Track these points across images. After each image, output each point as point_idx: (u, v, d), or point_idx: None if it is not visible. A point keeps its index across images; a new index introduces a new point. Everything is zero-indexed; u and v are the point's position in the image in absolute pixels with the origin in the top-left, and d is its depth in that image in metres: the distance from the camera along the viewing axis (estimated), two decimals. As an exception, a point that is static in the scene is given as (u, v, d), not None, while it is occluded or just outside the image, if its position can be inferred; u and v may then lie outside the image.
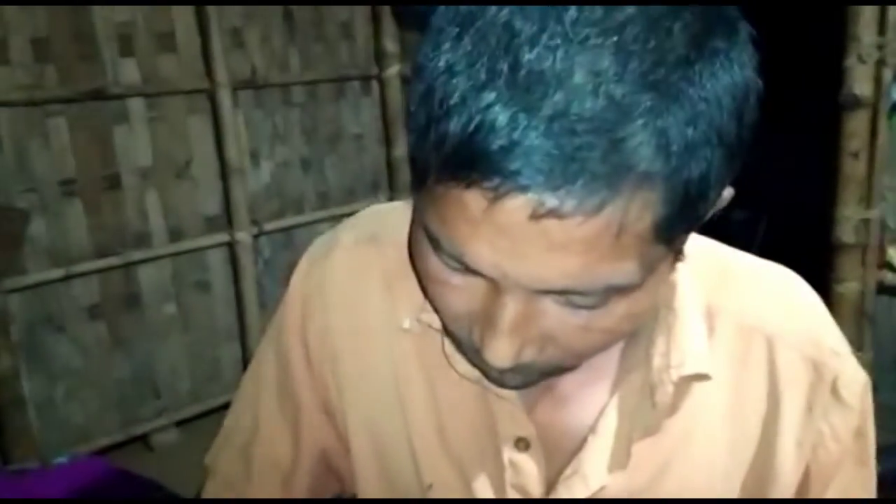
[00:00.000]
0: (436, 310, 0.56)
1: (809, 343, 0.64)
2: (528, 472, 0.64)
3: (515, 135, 0.40)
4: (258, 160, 2.94)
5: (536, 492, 0.64)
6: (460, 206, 0.43)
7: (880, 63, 1.87)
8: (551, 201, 0.40)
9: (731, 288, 0.65)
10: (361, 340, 0.69)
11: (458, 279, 0.49)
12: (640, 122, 0.40)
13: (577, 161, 0.39)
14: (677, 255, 0.51)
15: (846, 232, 1.99)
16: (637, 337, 0.64)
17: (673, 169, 0.41)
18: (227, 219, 2.83)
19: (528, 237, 0.42)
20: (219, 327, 2.88)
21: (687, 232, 0.49)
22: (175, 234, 2.74)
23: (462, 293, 0.50)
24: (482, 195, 0.42)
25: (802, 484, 0.66)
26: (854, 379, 0.65)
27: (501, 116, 0.40)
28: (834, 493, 0.67)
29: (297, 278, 0.72)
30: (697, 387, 0.62)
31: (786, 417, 0.64)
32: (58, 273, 2.44)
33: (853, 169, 1.94)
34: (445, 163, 0.42)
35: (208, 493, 0.78)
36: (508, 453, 0.64)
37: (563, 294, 0.46)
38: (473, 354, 0.53)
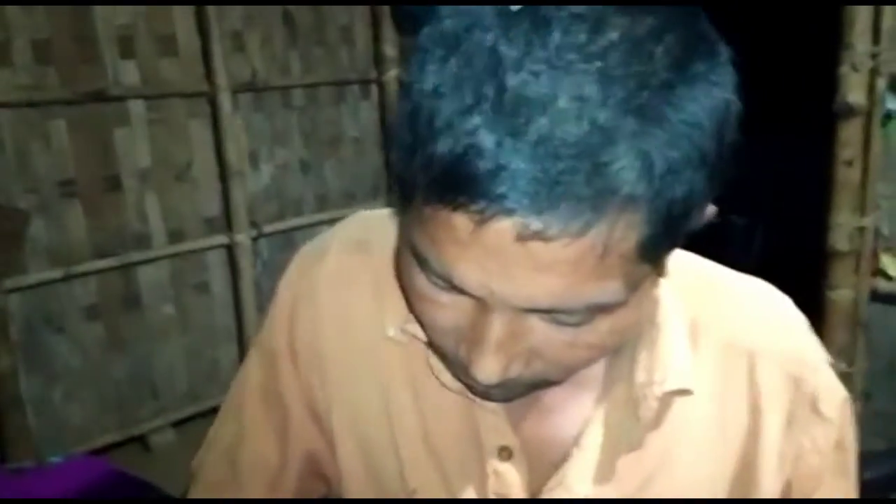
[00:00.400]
0: (422, 325, 0.56)
1: (790, 359, 0.65)
2: (510, 482, 0.65)
3: (501, 159, 0.40)
4: (258, 163, 2.95)
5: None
6: (448, 227, 0.44)
7: (874, 72, 1.88)
8: (536, 224, 0.41)
9: (715, 305, 0.66)
10: (349, 346, 0.70)
11: (444, 297, 0.50)
12: (623, 146, 0.41)
13: (562, 185, 0.40)
14: (660, 271, 0.52)
15: (840, 239, 2.00)
16: (621, 351, 0.65)
17: (656, 191, 0.42)
18: (226, 221, 2.84)
19: (515, 258, 0.43)
20: (217, 328, 2.89)
21: (670, 250, 0.50)
22: (174, 236, 2.75)
23: (449, 310, 0.51)
24: (469, 217, 0.43)
25: (784, 494, 0.67)
26: (833, 393, 0.66)
27: (488, 140, 0.41)
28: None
29: (285, 283, 0.73)
30: (681, 401, 0.63)
31: (767, 432, 0.65)
32: (57, 273, 2.45)
33: (847, 177, 1.95)
34: (432, 185, 0.43)
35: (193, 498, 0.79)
36: (492, 462, 0.65)
37: (549, 313, 0.47)
38: (460, 369, 0.54)
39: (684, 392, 0.62)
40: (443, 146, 0.42)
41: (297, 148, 3.06)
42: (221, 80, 2.70)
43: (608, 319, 0.49)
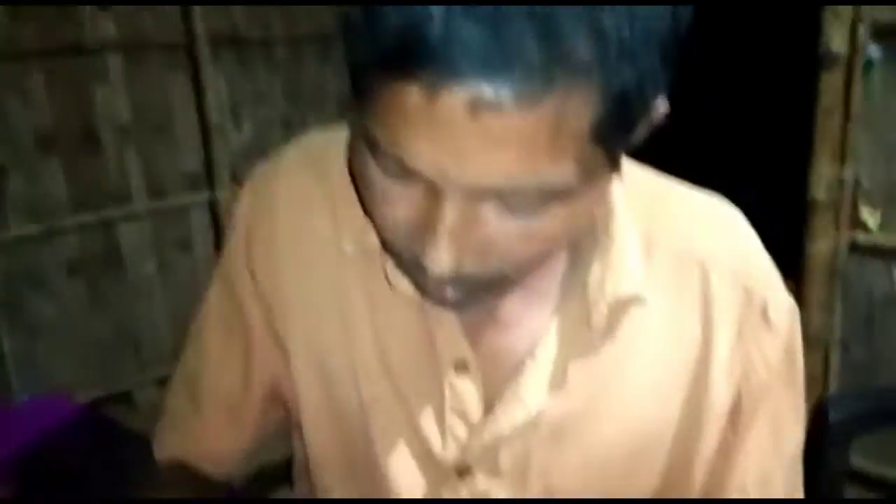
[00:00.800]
0: (376, 225, 0.56)
1: (741, 270, 0.66)
2: (466, 395, 0.66)
3: (452, 25, 0.40)
4: (240, 119, 2.92)
5: (475, 414, 0.66)
6: (399, 102, 0.43)
7: (856, 20, 1.87)
8: (488, 92, 0.41)
9: (669, 216, 0.66)
10: (306, 265, 0.70)
11: (398, 188, 0.49)
12: (576, 16, 0.40)
13: (513, 51, 0.40)
14: (614, 166, 0.51)
15: (819, 191, 2.01)
16: (576, 263, 0.65)
17: (609, 66, 0.42)
18: (208, 178, 2.82)
19: (467, 132, 0.42)
20: (200, 287, 2.84)
21: (624, 137, 0.49)
22: (155, 192, 2.73)
23: (402, 202, 0.50)
24: (420, 89, 0.42)
25: (734, 406, 0.68)
26: (782, 305, 0.67)
27: (437, 8, 0.40)
28: (764, 415, 0.69)
29: (241, 206, 0.73)
30: (635, 312, 0.63)
31: (718, 342, 0.65)
32: (36, 229, 2.43)
33: (827, 126, 1.94)
34: (383, 59, 0.43)
35: (159, 432, 0.80)
36: (448, 376, 0.65)
37: (501, 196, 0.47)
38: (413, 268, 0.53)
39: (636, 299, 0.62)
40: (393, 17, 0.41)
41: (280, 105, 3.03)
42: (201, 32, 2.66)
43: (561, 209, 0.48)
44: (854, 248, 2.07)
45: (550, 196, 0.47)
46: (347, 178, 0.63)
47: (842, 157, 1.97)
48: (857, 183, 2.02)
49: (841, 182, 1.99)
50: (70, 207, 2.52)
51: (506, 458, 0.66)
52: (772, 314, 0.65)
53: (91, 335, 2.64)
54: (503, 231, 0.49)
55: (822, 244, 2.05)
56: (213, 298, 0.76)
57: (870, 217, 2.04)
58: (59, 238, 2.52)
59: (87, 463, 0.88)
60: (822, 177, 1.99)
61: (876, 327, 2.10)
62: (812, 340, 2.04)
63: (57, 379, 2.57)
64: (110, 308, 2.68)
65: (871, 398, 1.47)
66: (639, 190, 0.65)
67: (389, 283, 0.63)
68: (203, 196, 2.82)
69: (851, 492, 1.67)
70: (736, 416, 0.68)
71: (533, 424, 0.65)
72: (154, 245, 2.75)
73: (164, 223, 2.77)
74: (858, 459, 1.98)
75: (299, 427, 0.74)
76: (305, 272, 0.69)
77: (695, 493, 0.71)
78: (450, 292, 0.54)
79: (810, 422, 1.31)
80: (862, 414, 1.33)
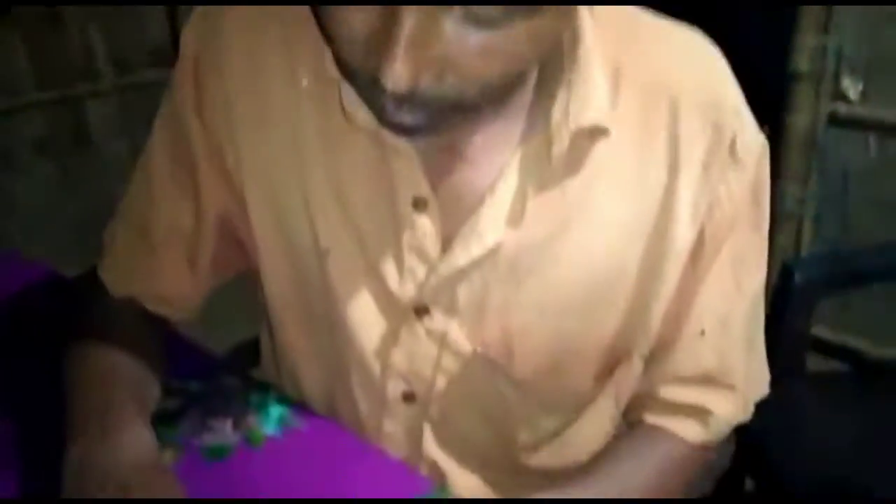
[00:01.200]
0: (332, 45, 0.52)
1: (711, 103, 0.64)
2: (424, 233, 0.65)
3: None
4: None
5: (433, 251, 0.65)
6: None
7: None
8: None
9: (639, 47, 0.64)
10: (259, 102, 0.67)
11: None
12: None
13: None
14: None
15: (802, 60, 1.96)
16: (542, 96, 0.63)
17: None
18: (175, 53, 2.72)
19: None
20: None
21: None
22: (121, 70, 2.64)
23: (359, 14, 0.47)
24: None
25: (697, 244, 0.67)
26: (752, 140, 0.66)
27: None
28: (727, 254, 0.69)
29: (188, 40, 0.70)
30: (599, 146, 0.62)
31: (684, 177, 0.64)
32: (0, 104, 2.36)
33: (813, -8, 1.88)
34: None
35: (107, 268, 0.79)
36: (406, 214, 0.65)
37: (462, 6, 0.44)
38: (370, 90, 0.50)
39: (600, 130, 0.61)
40: None
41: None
42: None
43: (525, 25, 0.46)
44: (833, 120, 2.05)
45: (514, 7, 0.45)
46: (304, 8, 0.60)
47: (826, 25, 1.91)
48: (840, 52, 1.98)
49: (824, 51, 1.94)
50: (34, 84, 2.44)
51: (463, 295, 0.66)
52: (740, 150, 0.64)
53: (64, 214, 2.62)
54: (464, 46, 0.46)
55: (802, 116, 2.02)
56: (160, 136, 0.74)
57: (851, 87, 2.01)
58: (25, 115, 2.44)
59: (49, 320, 0.88)
60: (805, 47, 1.94)
61: (850, 200, 2.11)
62: (786, 213, 2.05)
63: (36, 258, 2.56)
64: (82, 186, 2.64)
65: (836, 260, 1.49)
66: (609, 19, 0.62)
67: (345, 114, 0.61)
68: (171, 73, 2.73)
69: (812, 360, 1.72)
70: (698, 254, 0.68)
71: (490, 259, 0.64)
72: (123, 122, 2.69)
73: (132, 100, 2.69)
74: (820, 328, 2.03)
75: (257, 270, 0.74)
76: (258, 109, 0.67)
77: (652, 337, 0.71)
78: (407, 116, 0.51)
79: (776, 283, 1.33)
80: (827, 276, 1.35)
